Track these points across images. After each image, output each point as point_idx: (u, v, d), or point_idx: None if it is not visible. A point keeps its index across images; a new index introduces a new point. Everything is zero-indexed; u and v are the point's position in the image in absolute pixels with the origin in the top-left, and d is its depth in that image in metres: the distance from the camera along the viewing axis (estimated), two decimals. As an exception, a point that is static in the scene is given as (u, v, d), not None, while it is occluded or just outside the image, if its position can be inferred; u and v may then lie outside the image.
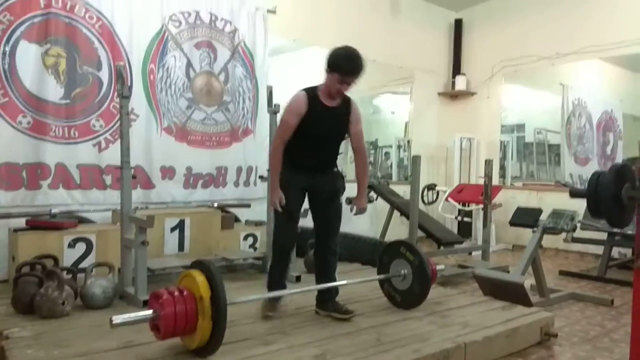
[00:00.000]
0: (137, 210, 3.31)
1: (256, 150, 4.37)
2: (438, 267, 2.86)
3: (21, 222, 3.01)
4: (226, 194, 4.18)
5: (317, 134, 2.38)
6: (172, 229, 3.34)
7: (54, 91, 3.34)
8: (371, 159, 7.48)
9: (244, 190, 4.29)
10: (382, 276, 2.72)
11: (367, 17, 5.43)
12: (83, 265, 2.93)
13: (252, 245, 3.73)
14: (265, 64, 4.46)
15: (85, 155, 3.46)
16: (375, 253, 3.95)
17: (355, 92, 2.46)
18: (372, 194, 4.83)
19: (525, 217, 3.60)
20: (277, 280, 2.51)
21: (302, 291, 2.62)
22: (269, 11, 4.44)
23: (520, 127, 6.14)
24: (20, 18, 3.20)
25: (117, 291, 2.60)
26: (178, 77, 3.94)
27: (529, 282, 2.94)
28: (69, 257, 2.97)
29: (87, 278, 2.53)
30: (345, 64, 2.27)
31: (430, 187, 5.86)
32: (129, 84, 3.60)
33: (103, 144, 3.54)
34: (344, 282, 2.60)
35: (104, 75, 3.55)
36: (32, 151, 3.26)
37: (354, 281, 2.83)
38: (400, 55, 5.75)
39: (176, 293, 1.83)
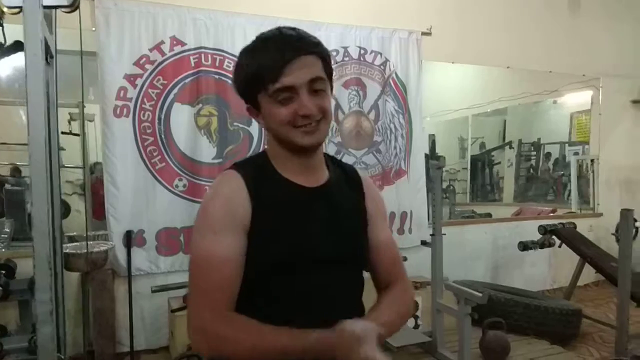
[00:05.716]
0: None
1: (411, 193, 3.92)
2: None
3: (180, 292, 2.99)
4: (379, 245, 3.79)
5: (298, 256, 0.95)
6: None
7: (207, 151, 3.27)
8: (532, 162, 6.56)
9: (397, 239, 3.84)
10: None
11: (538, 23, 4.53)
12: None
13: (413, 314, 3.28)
14: (420, 95, 3.96)
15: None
16: (568, 326, 3.27)
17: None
18: (554, 239, 4.03)
19: None
20: None
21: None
22: (423, 34, 3.91)
23: None
24: (173, 81, 3.17)
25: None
26: (333, 123, 3.64)
27: None
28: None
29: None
30: (264, 57, 0.92)
31: (625, 222, 4.76)
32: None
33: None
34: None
35: (254, 129, 3.39)
36: (187, 214, 3.22)
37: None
38: (581, 60, 4.74)
39: None
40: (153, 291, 2.83)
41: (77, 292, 2.95)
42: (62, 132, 4.70)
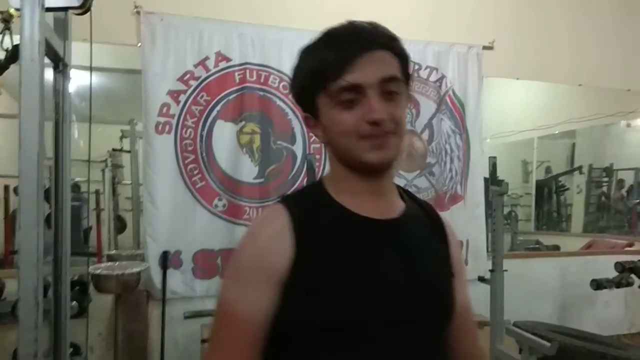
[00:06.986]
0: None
1: (467, 220, 3.57)
2: None
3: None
4: (431, 277, 3.48)
5: (362, 316, 0.73)
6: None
7: (248, 170, 3.13)
8: (603, 189, 5.99)
9: (453, 271, 3.51)
10: None
11: (617, 36, 4.10)
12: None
13: None
14: (479, 114, 3.65)
15: (278, 236, 3.15)
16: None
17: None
18: (632, 277, 3.54)
19: None
20: None
21: None
22: (484, 48, 3.61)
23: None
24: (217, 97, 3.07)
25: None
26: (376, 142, 3.42)
27: None
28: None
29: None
30: (327, 51, 0.76)
31: None
32: (323, 156, 3.21)
33: (296, 224, 3.20)
34: None
35: (298, 148, 3.22)
36: (226, 236, 3.07)
37: None
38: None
39: None
40: (185, 317, 2.69)
41: (111, 314, 2.85)
42: (113, 149, 4.80)
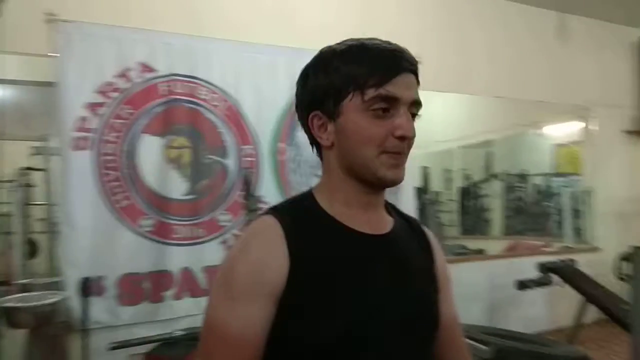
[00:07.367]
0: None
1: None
2: None
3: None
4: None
5: (357, 331, 0.72)
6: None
7: (177, 187, 2.97)
8: (519, 194, 6.39)
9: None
10: None
11: (526, 52, 4.43)
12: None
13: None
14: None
15: (212, 255, 3.01)
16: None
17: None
18: (552, 277, 3.78)
19: None
20: None
21: None
22: (409, 61, 3.72)
23: None
24: (141, 110, 2.90)
25: None
26: (310, 154, 3.37)
27: None
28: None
29: None
30: (372, 60, 0.74)
31: (628, 257, 4.52)
32: (257, 169, 3.14)
33: (230, 241, 3.08)
34: None
35: (231, 162, 3.11)
36: (155, 257, 2.89)
37: None
38: (570, 90, 4.62)
39: None
40: (111, 348, 2.47)
41: (26, 351, 2.56)
42: (21, 168, 4.39)
